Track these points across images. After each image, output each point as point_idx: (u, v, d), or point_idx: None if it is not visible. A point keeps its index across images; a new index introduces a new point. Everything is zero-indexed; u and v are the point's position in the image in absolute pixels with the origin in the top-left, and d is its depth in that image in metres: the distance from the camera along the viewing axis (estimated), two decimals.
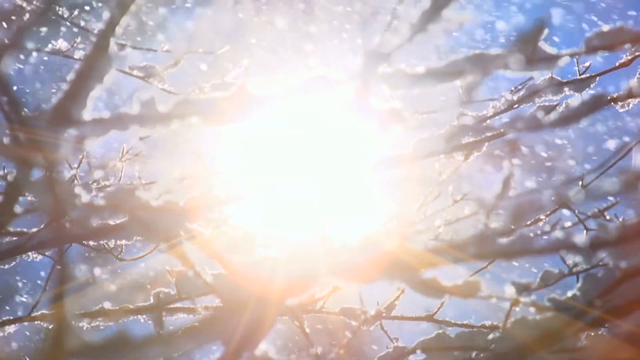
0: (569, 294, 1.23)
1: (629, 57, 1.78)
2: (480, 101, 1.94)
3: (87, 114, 1.20)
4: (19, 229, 2.06)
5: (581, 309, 1.20)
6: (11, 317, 2.14)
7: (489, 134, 1.82)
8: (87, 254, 2.49)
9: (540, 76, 1.80)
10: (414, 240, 1.17)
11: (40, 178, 1.23)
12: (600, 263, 1.20)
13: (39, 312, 2.13)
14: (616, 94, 1.66)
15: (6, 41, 1.19)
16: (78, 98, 1.18)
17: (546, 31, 1.29)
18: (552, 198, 1.18)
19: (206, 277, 1.24)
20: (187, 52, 2.56)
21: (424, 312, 2.16)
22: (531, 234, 1.10)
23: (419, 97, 1.44)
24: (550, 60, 1.33)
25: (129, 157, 2.42)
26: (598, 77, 1.83)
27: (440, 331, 1.71)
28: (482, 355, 1.53)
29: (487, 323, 1.89)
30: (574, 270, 1.33)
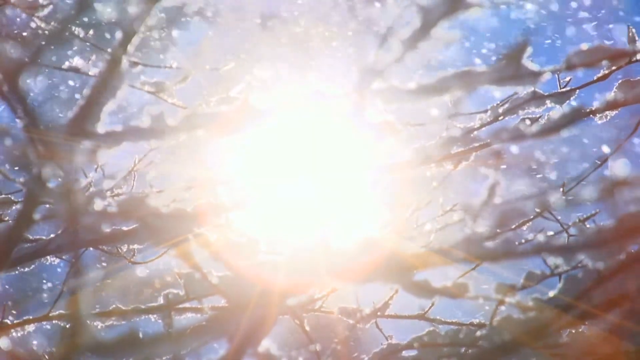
0: (551, 293, 1.23)
1: (606, 72, 1.78)
2: (467, 114, 1.95)
3: (101, 127, 1.20)
4: (37, 236, 2.06)
5: (562, 307, 1.20)
6: (31, 317, 2.14)
7: (476, 145, 1.82)
8: (101, 257, 2.49)
9: (523, 90, 1.80)
10: (407, 244, 1.17)
11: (57, 187, 1.23)
12: (580, 265, 1.20)
13: (57, 312, 2.13)
14: (594, 106, 1.67)
15: (25, 59, 1.19)
16: (93, 112, 1.19)
17: (529, 49, 1.30)
18: (536, 207, 1.18)
19: (212, 279, 1.24)
20: (195, 69, 2.56)
21: (416, 311, 2.16)
22: (516, 240, 1.10)
23: (411, 110, 1.45)
24: (533, 75, 1.33)
25: (140, 167, 2.41)
26: (577, 91, 1.83)
27: (431, 329, 1.71)
28: (470, 351, 1.53)
29: (475, 321, 1.89)
30: (556, 271, 1.32)
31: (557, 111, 1.58)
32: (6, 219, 2.20)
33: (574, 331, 1.44)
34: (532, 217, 1.91)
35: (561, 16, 5.33)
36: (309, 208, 1.61)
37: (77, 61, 2.42)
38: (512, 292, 1.27)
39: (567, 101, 1.82)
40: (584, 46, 1.41)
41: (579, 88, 1.84)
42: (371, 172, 1.75)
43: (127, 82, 1.22)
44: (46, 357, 1.83)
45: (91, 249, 2.09)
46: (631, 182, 1.03)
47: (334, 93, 1.20)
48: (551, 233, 1.75)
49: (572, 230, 1.77)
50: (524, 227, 1.97)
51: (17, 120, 1.20)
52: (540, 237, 1.11)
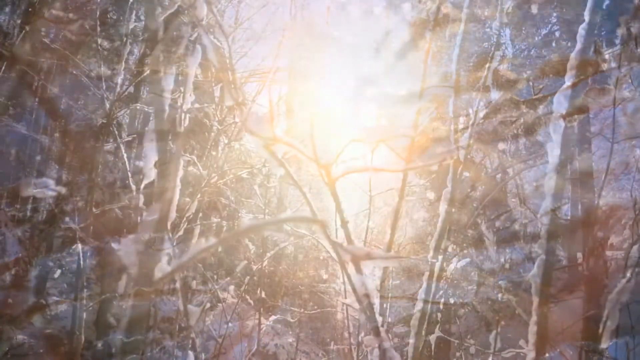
0: (526, 277, 1.24)
1: (575, 81, 1.78)
2: (452, 117, 1.96)
3: (125, 129, 1.21)
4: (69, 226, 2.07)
5: (535, 288, 1.21)
6: (62, 298, 2.15)
7: (459, 145, 1.83)
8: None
9: (502, 96, 1.81)
10: (400, 234, 1.18)
11: (86, 182, 1.24)
12: (549, 252, 1.21)
13: (87, 293, 2.14)
14: (564, 110, 1.67)
15: (59, 67, 1.20)
16: (117, 117, 1.20)
17: (507, 60, 1.30)
18: (514, 199, 1.19)
19: None
20: (206, 78, 2.57)
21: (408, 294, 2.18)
22: (494, 228, 1.11)
23: (401, 113, 1.46)
24: (510, 83, 1.34)
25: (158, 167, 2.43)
26: (549, 97, 1.84)
27: (420, 307, 1.72)
28: (455, 325, 1.54)
29: (459, 301, 1.90)
30: (530, 257, 1.34)
31: (531, 115, 1.59)
32: (41, 210, 2.22)
33: (544, 308, 1.45)
34: (508, 209, 1.93)
35: (539, 27, 5.32)
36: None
37: (103, 70, 2.43)
38: (491, 276, 1.29)
39: (540, 106, 1.82)
40: (555, 57, 1.42)
41: (551, 95, 1.84)
42: (366, 169, 1.76)
43: (147, 89, 1.23)
44: (77, 332, 1.84)
45: (117, 237, 2.11)
46: (595, 179, 1.04)
47: (334, 99, 1.21)
48: (525, 221, 1.76)
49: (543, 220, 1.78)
50: (502, 217, 1.99)
51: (52, 124, 1.22)
52: (516, 226, 1.12)
